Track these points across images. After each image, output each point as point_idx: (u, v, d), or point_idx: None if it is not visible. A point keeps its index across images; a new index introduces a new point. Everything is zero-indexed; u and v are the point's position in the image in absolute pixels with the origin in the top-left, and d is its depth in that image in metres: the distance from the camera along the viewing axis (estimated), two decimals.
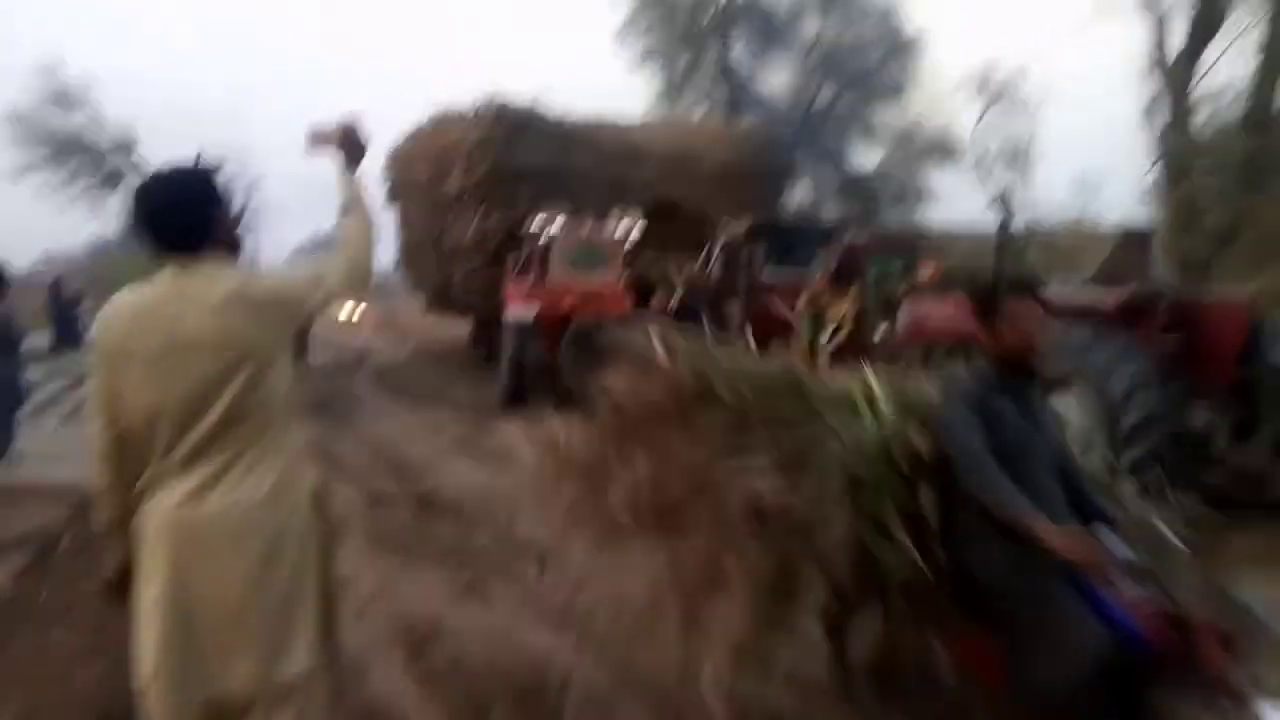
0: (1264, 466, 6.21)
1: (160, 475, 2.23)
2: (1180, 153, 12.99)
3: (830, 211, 25.93)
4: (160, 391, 2.18)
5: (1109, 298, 6.26)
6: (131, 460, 2.25)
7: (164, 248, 2.27)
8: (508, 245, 14.33)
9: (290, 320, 2.39)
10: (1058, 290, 7.31)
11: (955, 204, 31.03)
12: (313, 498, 2.46)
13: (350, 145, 2.62)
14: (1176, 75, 13.19)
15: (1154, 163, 16.56)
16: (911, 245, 13.82)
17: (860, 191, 26.25)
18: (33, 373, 10.37)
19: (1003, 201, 9.03)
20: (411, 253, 20.41)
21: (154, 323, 2.20)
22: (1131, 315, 6.20)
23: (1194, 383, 6.45)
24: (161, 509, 2.21)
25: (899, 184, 26.27)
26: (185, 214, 2.29)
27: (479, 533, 6.21)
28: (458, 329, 21.15)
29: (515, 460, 8.61)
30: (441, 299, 19.21)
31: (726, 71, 27.30)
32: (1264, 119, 12.71)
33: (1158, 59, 13.54)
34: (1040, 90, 28.45)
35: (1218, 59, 13.38)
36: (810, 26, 27.23)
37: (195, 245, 2.28)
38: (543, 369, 11.74)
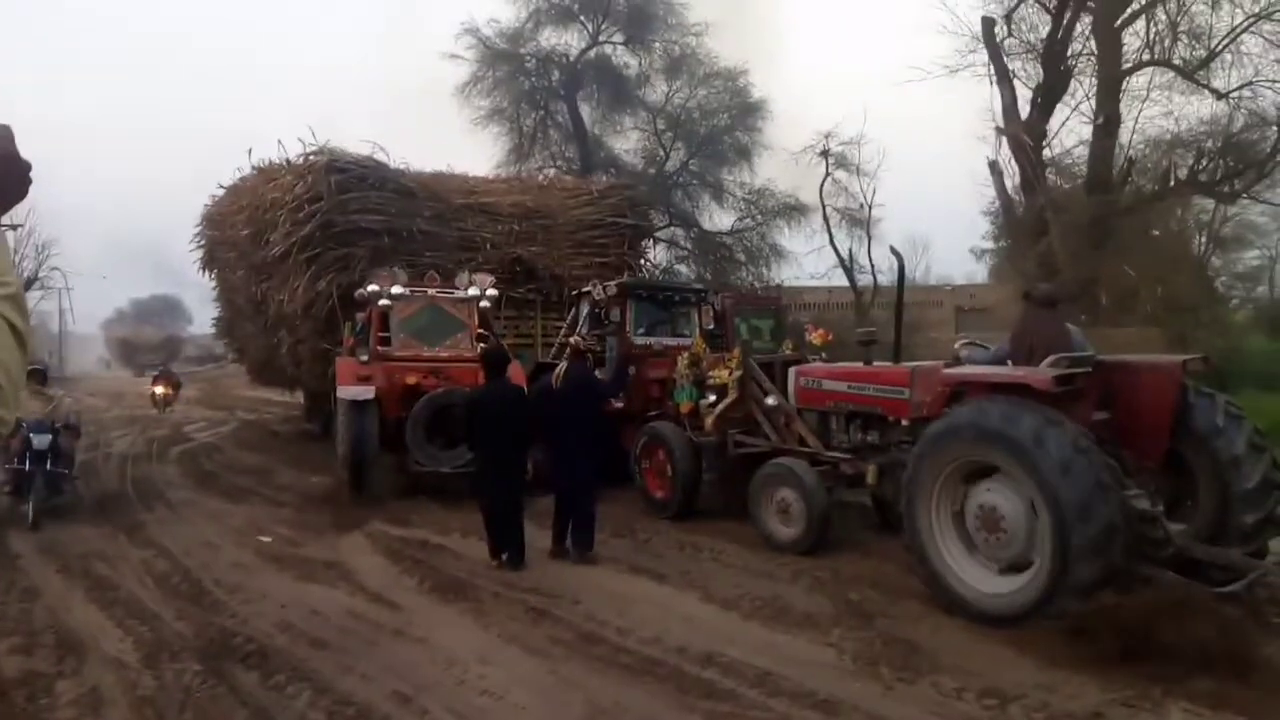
0: (1205, 554, 5.58)
1: None
2: (1037, 213, 13.16)
3: (686, 272, 25.59)
4: None
5: (1043, 373, 5.50)
6: None
7: None
8: (341, 311, 12.67)
9: None
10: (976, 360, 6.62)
11: (806, 263, 31.56)
12: None
13: None
14: (1030, 136, 13.45)
15: (997, 224, 17.03)
16: (776, 305, 13.33)
17: (716, 251, 26.06)
18: None
19: (895, 255, 8.43)
20: (232, 320, 18.30)
21: None
22: (1065, 391, 5.47)
23: (1126, 460, 5.79)
24: None
25: (753, 244, 26.29)
26: None
27: (292, 697, 4.65)
28: (293, 398, 19.13)
29: (352, 576, 7.08)
30: (267, 371, 17.16)
31: (577, 130, 26.70)
32: (1105, 182, 13.09)
33: (1010, 120, 13.79)
34: (878, 154, 29.62)
35: (1063, 124, 13.85)
36: (659, 88, 27.16)
37: None
38: (388, 451, 10.24)
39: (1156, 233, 19.10)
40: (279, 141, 14.50)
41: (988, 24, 15.09)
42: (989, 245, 29.33)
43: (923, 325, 23.47)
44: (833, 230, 25.39)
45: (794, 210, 25.86)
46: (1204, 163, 15.07)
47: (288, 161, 14.27)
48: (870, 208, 25.24)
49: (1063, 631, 5.08)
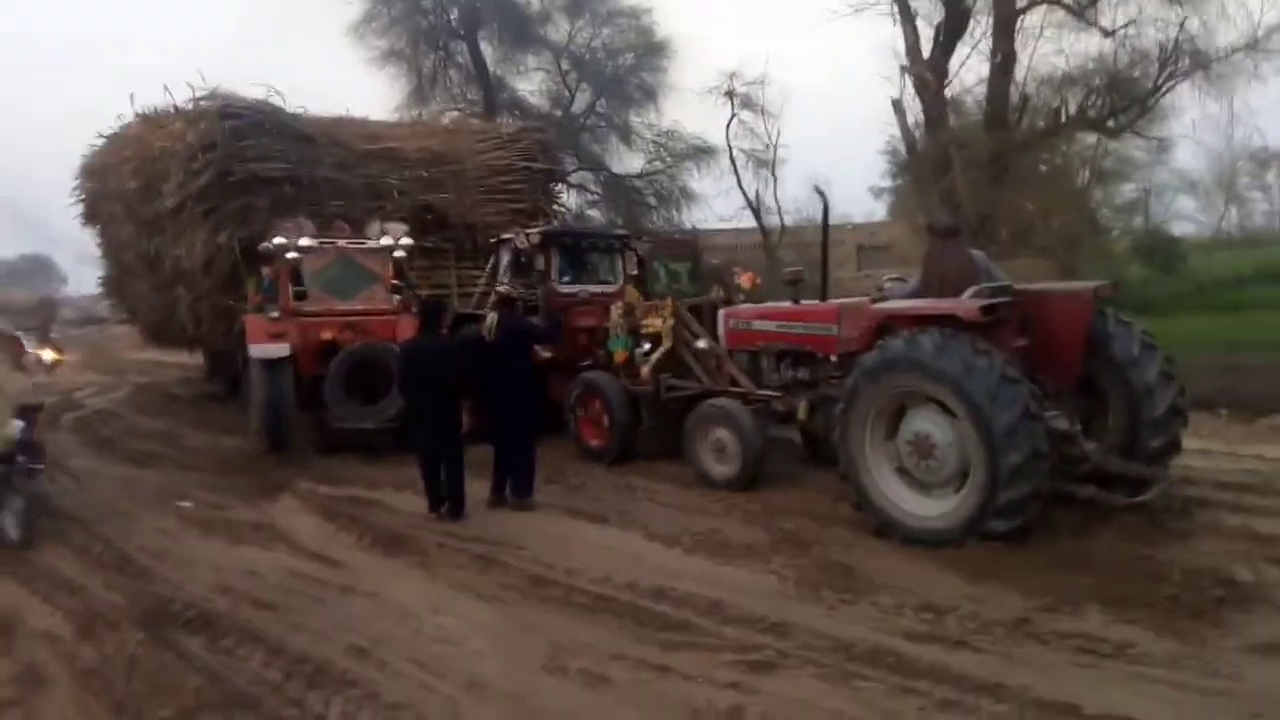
0: (1120, 467, 6.01)
1: None
2: (941, 150, 13.57)
3: (598, 216, 25.45)
4: None
5: (970, 304, 5.73)
6: None
7: None
8: (245, 266, 12.11)
9: None
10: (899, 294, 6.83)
11: (715, 205, 31.80)
12: None
13: None
14: (933, 74, 13.77)
15: (896, 162, 17.48)
16: (692, 247, 13.40)
17: (626, 195, 25.93)
18: None
19: (819, 193, 8.59)
20: (120, 279, 17.23)
21: None
22: (989, 321, 5.73)
23: (1044, 384, 6.13)
24: None
25: (663, 187, 26.26)
26: None
27: (244, 659, 4.57)
28: (191, 358, 18.20)
29: (286, 536, 6.92)
30: (163, 332, 16.23)
31: (479, 71, 25.89)
32: (1003, 119, 13.56)
33: (914, 58, 14.07)
34: (781, 95, 29.82)
35: (963, 63, 14.24)
36: (561, 27, 26.52)
37: None
38: (305, 409, 9.95)
39: (1044, 168, 20.02)
40: (165, 86, 13.53)
41: None
42: (887, 184, 30.16)
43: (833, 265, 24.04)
44: (740, 172, 25.63)
45: (702, 152, 25.94)
46: (1092, 99, 15.87)
47: (176, 108, 13.41)
48: (775, 149, 25.57)
49: (985, 548, 5.43)
